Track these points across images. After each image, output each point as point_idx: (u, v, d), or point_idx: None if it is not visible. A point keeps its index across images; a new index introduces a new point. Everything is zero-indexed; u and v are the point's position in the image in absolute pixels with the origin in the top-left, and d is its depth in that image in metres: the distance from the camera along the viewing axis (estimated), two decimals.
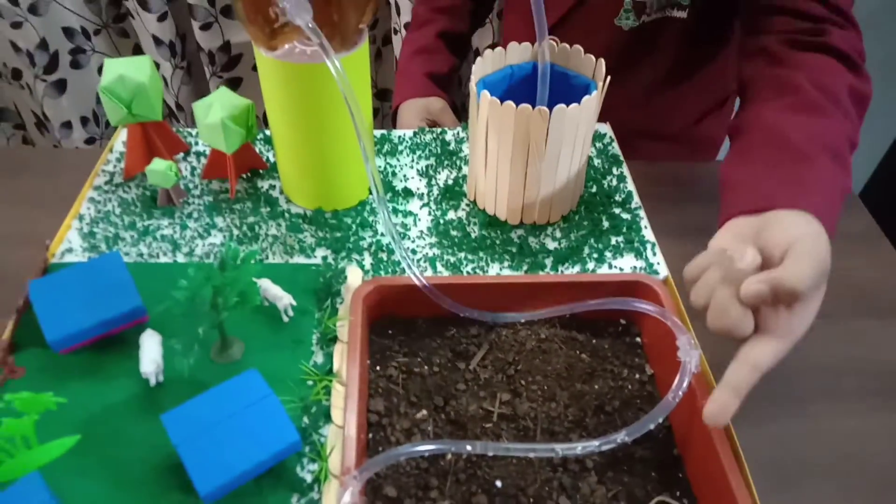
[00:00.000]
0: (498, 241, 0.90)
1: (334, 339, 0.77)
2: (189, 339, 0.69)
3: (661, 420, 0.68)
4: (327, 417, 0.69)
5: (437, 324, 0.85)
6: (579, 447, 0.67)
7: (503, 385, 0.78)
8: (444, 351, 0.81)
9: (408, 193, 0.98)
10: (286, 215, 0.93)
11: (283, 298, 0.75)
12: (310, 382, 0.72)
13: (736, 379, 0.63)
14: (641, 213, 0.95)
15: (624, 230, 0.91)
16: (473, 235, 0.91)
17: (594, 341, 0.84)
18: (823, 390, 0.83)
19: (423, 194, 0.98)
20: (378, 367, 0.79)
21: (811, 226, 0.70)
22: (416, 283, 0.80)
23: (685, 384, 0.69)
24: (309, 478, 0.65)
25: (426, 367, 0.79)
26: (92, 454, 0.65)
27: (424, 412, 0.74)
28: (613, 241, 0.91)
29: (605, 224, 0.93)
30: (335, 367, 0.73)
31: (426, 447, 0.66)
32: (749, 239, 0.71)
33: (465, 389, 0.77)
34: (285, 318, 0.78)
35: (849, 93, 0.86)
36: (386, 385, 0.77)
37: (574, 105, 0.81)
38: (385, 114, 2.06)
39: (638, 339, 0.85)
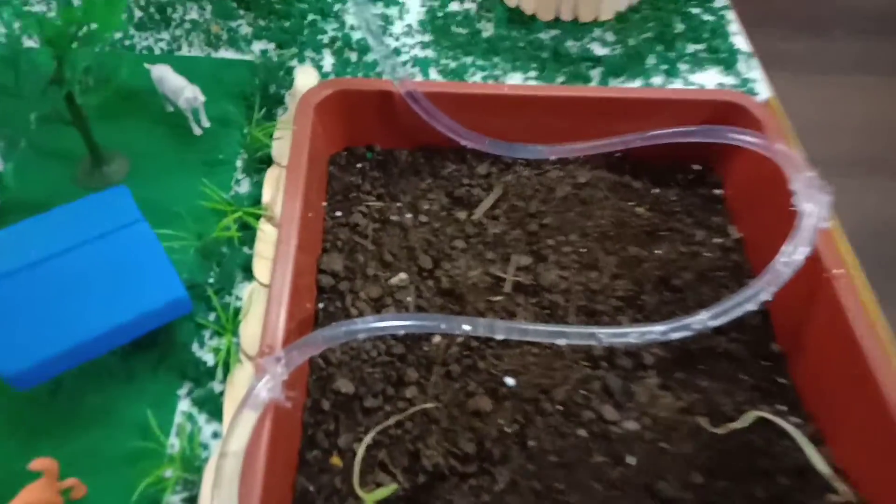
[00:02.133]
0: (522, 44, 0.64)
1: (269, 163, 0.53)
2: (14, 131, 0.44)
3: (763, 300, 0.46)
4: (247, 272, 0.46)
5: (429, 157, 0.61)
6: (634, 333, 0.45)
7: (521, 244, 0.55)
8: (437, 194, 0.58)
9: None
10: None
11: (184, 90, 0.51)
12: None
13: None
14: (729, 14, 0.69)
15: (705, 35, 0.65)
16: (486, 34, 0.65)
17: (655, 191, 0.60)
18: None
19: None
20: (338, 213, 0.56)
21: None
22: (398, 89, 0.55)
23: (807, 244, 0.46)
24: (210, 359, 0.43)
25: (409, 216, 0.56)
26: None
27: (404, 276, 0.52)
28: (690, 49, 0.65)
29: (679, 27, 0.66)
30: (265, 198, 0.49)
31: (399, 322, 0.43)
32: None
33: (464, 248, 0.54)
34: (197, 130, 0.54)
35: None
36: (348, 237, 0.54)
37: None
38: None
39: (717, 192, 0.61)
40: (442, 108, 0.57)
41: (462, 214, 0.57)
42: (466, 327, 0.45)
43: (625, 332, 0.47)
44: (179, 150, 0.52)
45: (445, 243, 0.55)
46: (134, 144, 0.52)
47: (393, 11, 0.67)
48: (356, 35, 0.64)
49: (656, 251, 0.55)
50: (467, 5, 0.68)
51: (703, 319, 0.46)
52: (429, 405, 0.45)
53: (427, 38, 0.65)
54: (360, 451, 0.43)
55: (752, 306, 0.46)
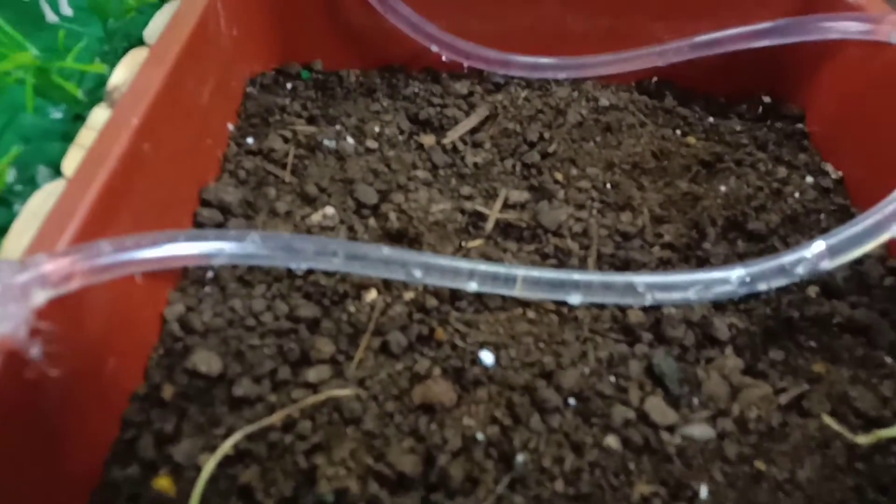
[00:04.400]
0: None
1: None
2: None
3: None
4: (56, 170, 0.29)
5: (389, 76, 0.45)
6: (696, 284, 0.28)
7: (513, 178, 0.38)
8: (394, 116, 0.41)
9: None
10: None
11: None
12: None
13: None
14: None
15: None
16: None
17: (710, 121, 0.43)
18: None
19: None
20: (249, 139, 0.39)
21: None
22: None
23: None
24: None
25: (351, 141, 0.39)
26: None
27: (331, 211, 0.34)
28: None
29: None
30: (112, 80, 0.33)
31: (303, 245, 0.26)
32: None
33: (428, 181, 0.37)
34: (51, 15, 0.38)
35: None
36: (257, 166, 0.37)
37: None
38: None
39: (799, 126, 0.43)
40: (407, 0, 0.41)
41: (429, 139, 0.40)
42: (417, 273, 0.27)
43: (681, 282, 0.29)
44: (19, 33, 0.36)
45: (401, 173, 0.37)
46: None
47: None
48: None
49: (722, 187, 0.37)
50: None
51: (813, 256, 0.28)
52: (344, 392, 0.27)
53: None
54: (209, 466, 0.24)
55: (888, 235, 0.28)
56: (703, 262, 0.34)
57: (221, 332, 0.29)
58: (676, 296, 0.29)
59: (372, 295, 0.31)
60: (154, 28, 0.37)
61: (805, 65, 0.44)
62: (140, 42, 0.36)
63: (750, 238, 0.35)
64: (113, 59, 0.36)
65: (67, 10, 0.40)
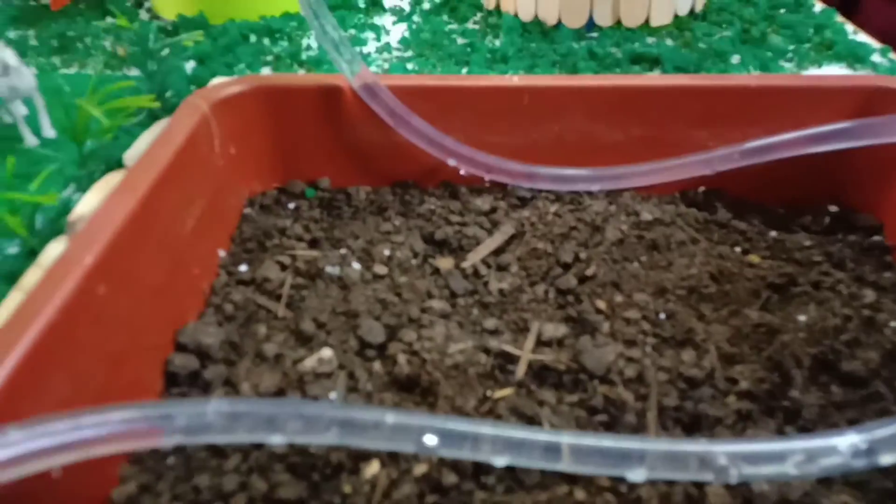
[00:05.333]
0: (542, 52, 0.46)
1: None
2: None
3: None
4: None
5: (402, 193, 0.40)
6: (794, 452, 0.20)
7: (547, 307, 0.32)
8: (406, 236, 0.36)
9: (376, 4, 0.56)
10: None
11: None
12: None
13: None
14: (837, 16, 0.50)
15: (810, 31, 0.46)
16: (493, 45, 0.47)
17: (773, 235, 0.37)
18: None
19: (400, 7, 0.56)
20: (242, 267, 0.34)
21: None
22: (351, 82, 0.36)
23: None
24: None
25: (357, 267, 0.34)
26: None
27: (328, 354, 0.28)
28: (791, 47, 0.45)
29: (765, 26, 0.47)
30: (75, 211, 0.28)
31: (274, 410, 0.20)
32: None
33: (446, 312, 0.31)
34: (30, 140, 0.35)
35: None
36: (247, 299, 0.32)
37: None
38: None
39: (877, 239, 0.37)
40: (416, 108, 0.37)
41: (446, 263, 0.35)
42: (428, 441, 0.21)
43: (774, 452, 0.22)
44: None
45: (414, 304, 0.32)
46: None
47: (368, 35, 0.51)
48: (311, 45, 0.47)
49: (801, 316, 0.31)
50: (470, 26, 0.51)
51: None
52: None
53: (409, 53, 0.47)
54: None
55: None
56: (792, 416, 0.27)
57: None
58: (769, 470, 0.22)
59: (373, 468, 0.24)
60: (137, 150, 0.33)
61: (876, 169, 0.39)
62: (119, 165, 0.32)
63: (846, 382, 0.28)
64: (87, 185, 0.32)
65: (50, 133, 0.36)
